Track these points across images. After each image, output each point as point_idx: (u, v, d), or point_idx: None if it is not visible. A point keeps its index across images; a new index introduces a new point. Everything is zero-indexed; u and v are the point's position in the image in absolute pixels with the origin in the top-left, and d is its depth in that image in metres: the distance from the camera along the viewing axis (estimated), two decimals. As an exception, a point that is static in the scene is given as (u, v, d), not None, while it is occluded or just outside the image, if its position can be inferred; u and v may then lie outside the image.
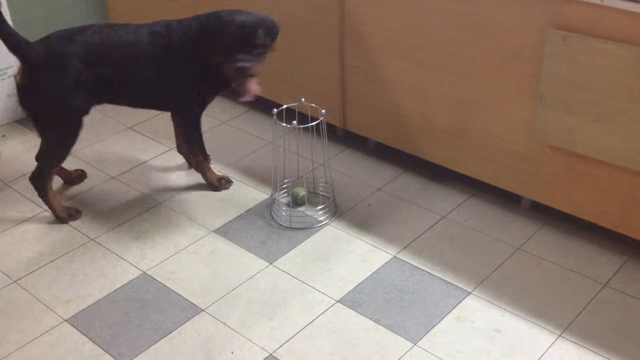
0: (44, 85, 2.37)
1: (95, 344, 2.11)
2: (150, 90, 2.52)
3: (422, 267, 2.34)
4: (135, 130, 3.15)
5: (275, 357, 2.05)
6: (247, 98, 2.44)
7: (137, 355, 2.07)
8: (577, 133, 2.20)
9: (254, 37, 2.36)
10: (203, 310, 2.21)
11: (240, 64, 2.35)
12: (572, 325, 2.10)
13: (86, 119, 2.47)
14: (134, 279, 2.34)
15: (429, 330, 2.11)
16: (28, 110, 2.46)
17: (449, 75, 2.48)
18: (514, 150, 2.43)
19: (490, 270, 2.32)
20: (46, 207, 2.66)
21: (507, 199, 2.59)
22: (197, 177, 2.82)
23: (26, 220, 2.62)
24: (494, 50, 2.32)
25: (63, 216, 2.59)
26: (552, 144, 2.30)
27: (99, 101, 2.51)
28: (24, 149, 3.03)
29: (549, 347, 2.04)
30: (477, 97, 2.45)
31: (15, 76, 2.41)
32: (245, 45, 2.36)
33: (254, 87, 2.42)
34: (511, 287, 2.25)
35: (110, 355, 2.07)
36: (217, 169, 2.87)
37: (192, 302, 2.24)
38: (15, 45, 2.30)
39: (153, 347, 2.09)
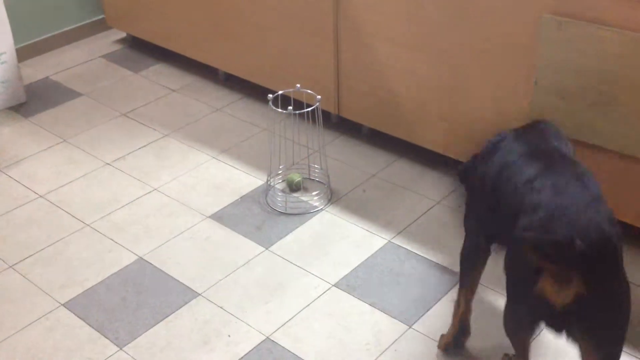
0: None
1: (92, 327, 2.11)
2: None
3: (417, 252, 2.36)
4: (129, 117, 3.14)
5: (272, 340, 2.06)
6: None
7: (134, 338, 2.07)
8: (571, 118, 2.22)
9: None
10: (200, 294, 2.22)
11: None
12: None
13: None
14: (130, 264, 2.34)
15: (424, 313, 2.13)
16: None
17: (443, 61, 2.49)
18: (508, 136, 2.44)
19: (484, 255, 2.34)
20: (40, 194, 2.66)
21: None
22: (190, 164, 2.82)
23: (21, 205, 2.62)
24: (489, 36, 2.33)
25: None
26: (545, 130, 2.31)
27: None
28: (18, 135, 3.02)
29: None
30: (471, 84, 2.46)
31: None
32: None
33: None
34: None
35: (107, 338, 2.08)
36: (211, 155, 2.87)
37: (188, 287, 2.25)
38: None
39: (150, 330, 2.10)
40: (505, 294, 1.72)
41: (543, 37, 2.17)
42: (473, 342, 2.03)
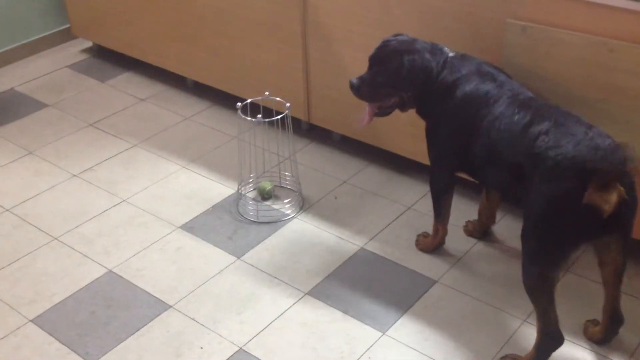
0: None
1: (62, 343, 2.07)
2: None
3: (389, 258, 2.36)
4: (97, 128, 3.10)
5: (245, 351, 2.05)
6: (358, 124, 2.24)
7: (105, 353, 2.04)
8: (537, 122, 2.24)
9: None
10: (171, 306, 2.20)
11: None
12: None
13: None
14: (100, 277, 2.31)
15: (398, 319, 2.13)
16: None
17: (412, 67, 2.50)
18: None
19: (456, 259, 2.35)
20: (7, 207, 2.61)
21: (475, 191, 2.63)
22: (159, 174, 2.79)
23: (-14, 220, 2.57)
24: (456, 41, 2.35)
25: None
26: (513, 133, 2.33)
27: None
28: (-18, 148, 2.97)
29: (515, 330, 2.09)
30: (439, 89, 2.47)
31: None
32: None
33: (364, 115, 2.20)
34: (477, 275, 2.29)
35: (78, 354, 2.04)
36: (180, 164, 2.85)
37: (159, 299, 2.22)
38: None
39: (121, 345, 2.07)
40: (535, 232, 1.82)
41: (507, 42, 2.20)
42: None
